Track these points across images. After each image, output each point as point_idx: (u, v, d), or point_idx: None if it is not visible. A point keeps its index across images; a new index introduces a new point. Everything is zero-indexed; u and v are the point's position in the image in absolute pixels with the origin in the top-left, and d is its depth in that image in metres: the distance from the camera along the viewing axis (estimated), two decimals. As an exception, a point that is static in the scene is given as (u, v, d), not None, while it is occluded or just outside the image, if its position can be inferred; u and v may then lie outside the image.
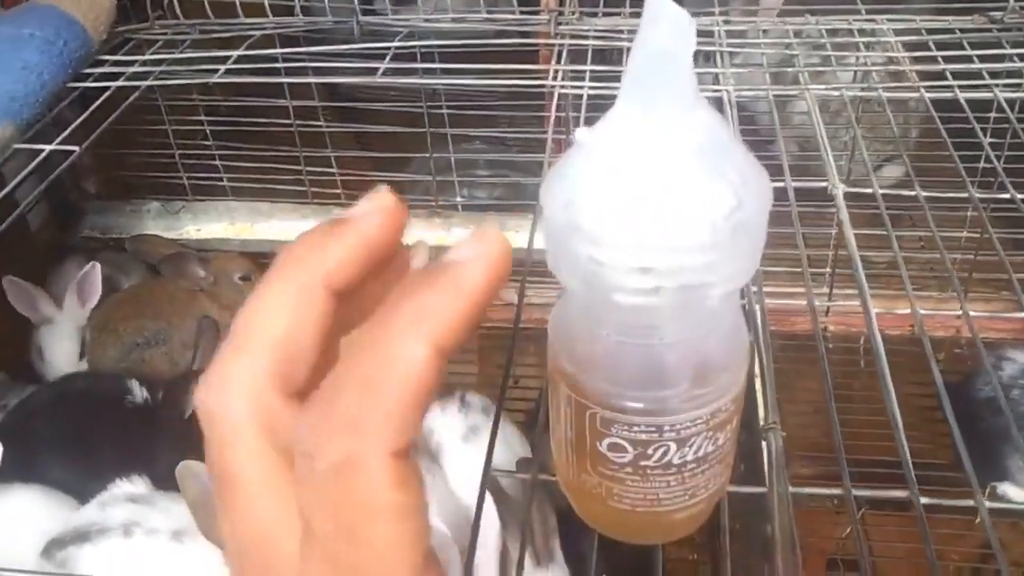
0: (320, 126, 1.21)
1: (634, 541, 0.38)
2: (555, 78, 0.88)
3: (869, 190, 0.69)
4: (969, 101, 0.81)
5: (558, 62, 0.91)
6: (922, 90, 0.83)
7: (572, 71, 0.90)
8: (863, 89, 0.89)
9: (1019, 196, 0.68)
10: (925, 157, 1.01)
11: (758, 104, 1.27)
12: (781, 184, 0.67)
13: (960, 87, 0.82)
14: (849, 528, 1.06)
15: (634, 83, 0.26)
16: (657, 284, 0.27)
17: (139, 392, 0.99)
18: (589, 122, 0.28)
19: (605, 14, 1.01)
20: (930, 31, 0.92)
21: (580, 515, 0.38)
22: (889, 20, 0.96)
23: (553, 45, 0.95)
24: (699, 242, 0.26)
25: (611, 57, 0.96)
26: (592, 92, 0.85)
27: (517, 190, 1.35)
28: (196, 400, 0.24)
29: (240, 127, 1.30)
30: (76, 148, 0.81)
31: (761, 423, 0.49)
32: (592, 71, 0.87)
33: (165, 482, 0.84)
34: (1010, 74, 0.85)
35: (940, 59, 0.86)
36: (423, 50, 0.99)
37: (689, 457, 0.33)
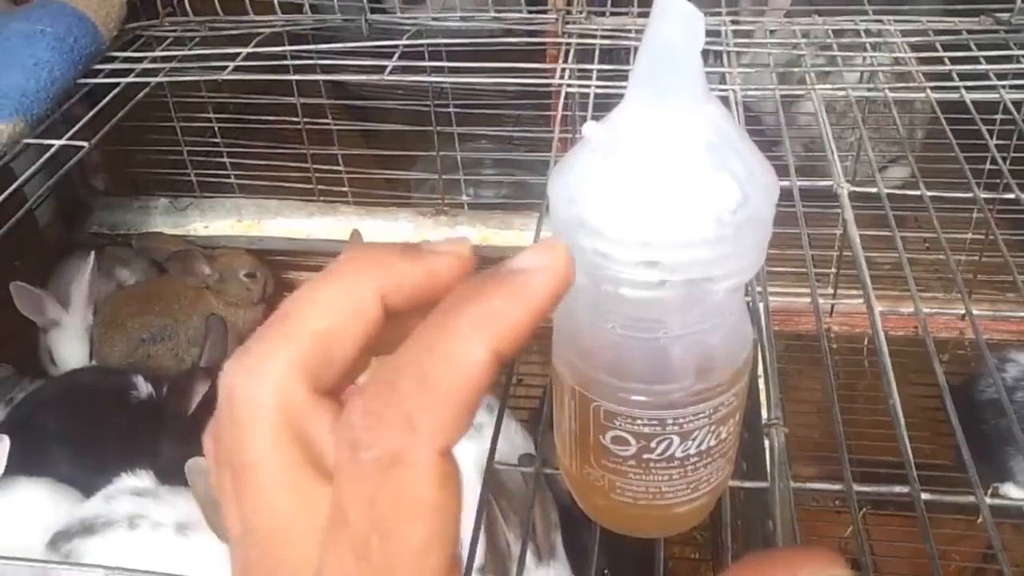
0: (328, 124, 1.22)
1: (637, 534, 0.39)
2: (562, 77, 0.89)
3: (874, 189, 0.69)
4: (975, 102, 0.81)
5: (565, 61, 0.92)
6: (928, 91, 0.83)
7: (579, 70, 0.90)
8: (869, 90, 0.90)
9: (1024, 197, 0.68)
10: (931, 158, 1.01)
11: (764, 104, 1.27)
12: (787, 184, 0.68)
13: (966, 88, 0.82)
14: (851, 528, 1.06)
15: (643, 78, 0.26)
16: (662, 278, 0.27)
17: (144, 387, 1.00)
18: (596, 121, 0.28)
19: (613, 13, 1.01)
20: (937, 32, 0.92)
21: (583, 508, 0.39)
22: (896, 21, 0.96)
23: (560, 44, 0.95)
24: (705, 237, 0.26)
25: (618, 56, 0.96)
26: (599, 91, 0.85)
27: (523, 189, 1.35)
28: (224, 376, 0.24)
29: (248, 124, 1.31)
30: (85, 144, 0.81)
31: (764, 421, 0.49)
32: (599, 70, 0.87)
33: (169, 476, 0.85)
34: (1017, 75, 0.85)
35: (947, 60, 0.86)
36: (431, 48, 0.99)
37: (692, 451, 0.33)
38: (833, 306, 1.12)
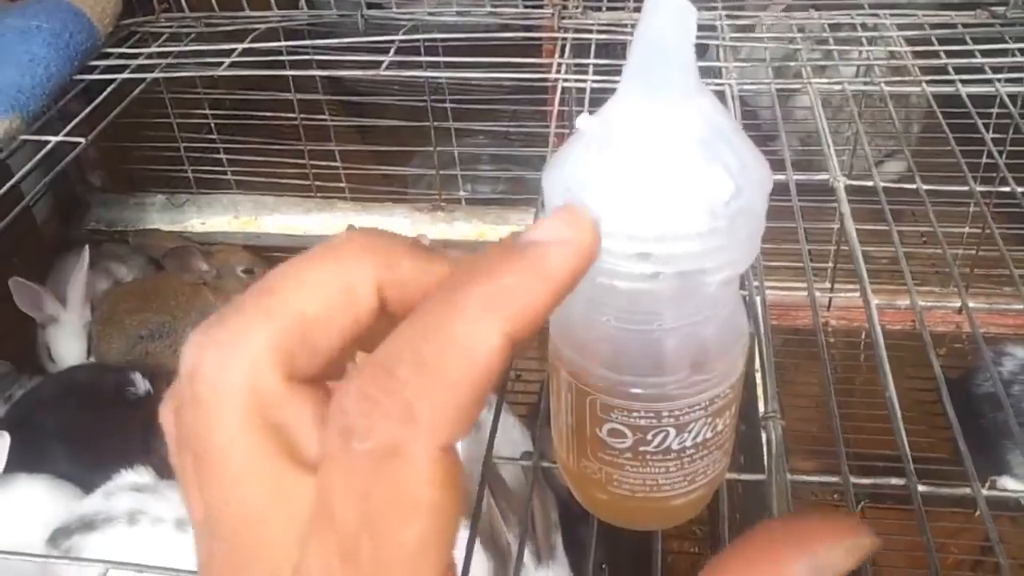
0: (324, 120, 1.22)
1: (634, 527, 0.39)
2: (559, 72, 0.89)
3: (870, 183, 0.69)
4: (971, 96, 0.81)
5: (561, 56, 0.92)
6: (924, 85, 0.83)
7: (575, 65, 0.90)
8: (865, 84, 0.90)
9: (1019, 190, 0.68)
10: (927, 152, 1.01)
11: (761, 99, 1.28)
12: (783, 178, 0.68)
13: (962, 82, 0.82)
14: (849, 521, 1.06)
15: (635, 71, 0.26)
16: (656, 270, 0.27)
17: (142, 384, 1.00)
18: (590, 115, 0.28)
19: (609, 8, 1.01)
20: (933, 26, 0.93)
21: (580, 501, 0.39)
22: (892, 15, 0.96)
23: (557, 39, 0.95)
24: (698, 229, 0.26)
25: (615, 51, 0.96)
26: (595, 86, 0.85)
27: (520, 184, 1.35)
28: (190, 347, 0.21)
29: (244, 120, 1.31)
30: (82, 140, 0.81)
31: (761, 414, 0.49)
32: (595, 65, 0.87)
33: (169, 472, 0.85)
34: (1012, 69, 0.85)
35: (942, 54, 0.86)
36: (427, 44, 1.00)
37: (688, 443, 0.33)
38: (830, 300, 1.12)
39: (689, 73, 0.26)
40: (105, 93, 0.90)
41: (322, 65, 0.97)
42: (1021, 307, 1.00)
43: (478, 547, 0.72)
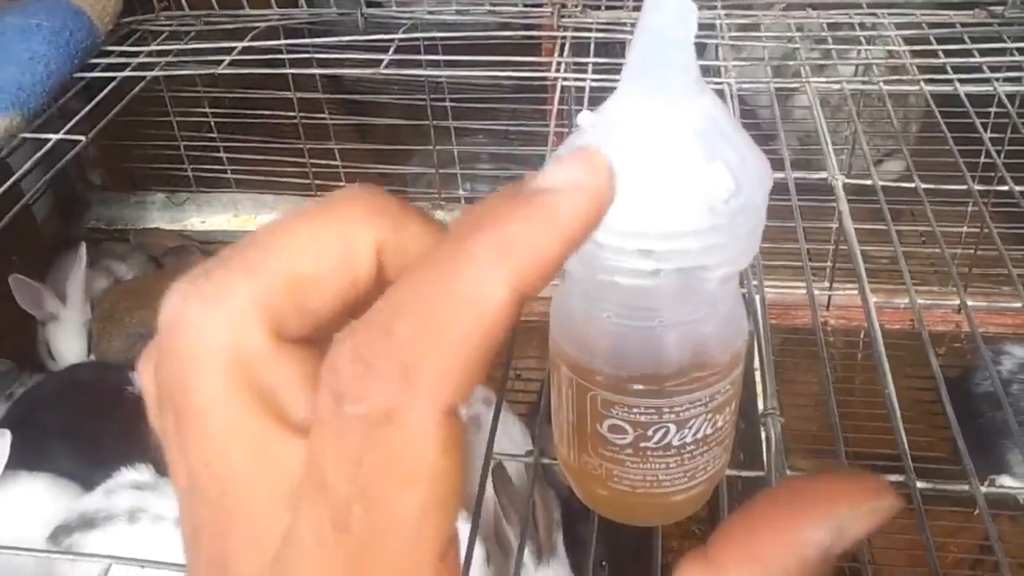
0: (324, 118, 1.22)
1: (634, 523, 0.39)
2: (558, 71, 0.89)
3: (869, 183, 0.70)
4: (969, 95, 0.81)
5: (561, 55, 0.92)
6: (923, 84, 0.84)
7: (575, 64, 0.90)
8: (864, 83, 0.90)
9: (1018, 189, 0.68)
10: (925, 151, 1.01)
11: (760, 98, 1.28)
12: (782, 177, 0.68)
13: (960, 81, 0.82)
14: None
15: (636, 69, 0.26)
16: (656, 267, 0.27)
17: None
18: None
19: (608, 7, 1.01)
20: (931, 25, 0.93)
21: (581, 497, 0.39)
22: (890, 14, 0.96)
23: (556, 38, 0.95)
24: (699, 226, 0.27)
25: (614, 50, 0.97)
26: (595, 84, 0.85)
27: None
28: (172, 298, 0.20)
29: (244, 119, 1.31)
30: (82, 138, 0.82)
31: (760, 411, 0.49)
32: (595, 64, 0.87)
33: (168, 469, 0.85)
34: (1010, 68, 0.86)
35: (941, 53, 0.87)
36: (427, 42, 1.00)
37: (688, 439, 0.33)
38: (829, 299, 1.13)
39: (689, 71, 0.26)
40: (105, 91, 0.90)
41: (322, 64, 0.97)
42: (1020, 306, 1.01)
43: (478, 544, 0.72)
